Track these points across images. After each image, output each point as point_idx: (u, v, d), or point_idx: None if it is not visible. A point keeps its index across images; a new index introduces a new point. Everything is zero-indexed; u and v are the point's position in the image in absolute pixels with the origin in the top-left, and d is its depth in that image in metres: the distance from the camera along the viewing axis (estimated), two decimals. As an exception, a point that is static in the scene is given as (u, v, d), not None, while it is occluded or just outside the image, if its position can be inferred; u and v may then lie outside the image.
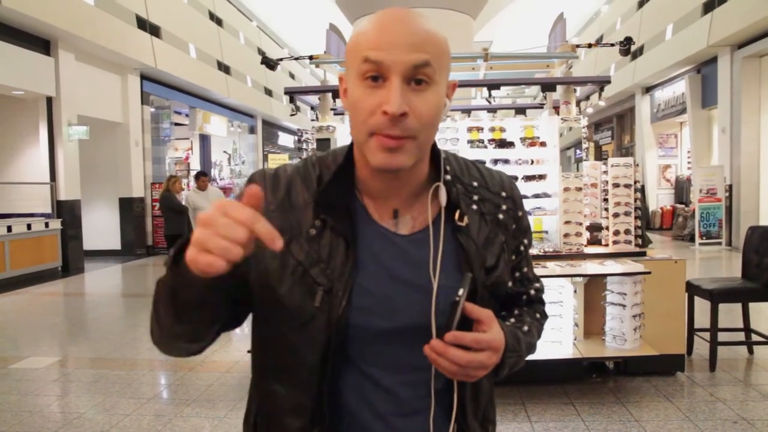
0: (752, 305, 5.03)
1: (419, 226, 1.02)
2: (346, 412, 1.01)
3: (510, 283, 1.11)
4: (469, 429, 1.07)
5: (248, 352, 4.82)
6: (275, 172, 1.05)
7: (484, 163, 1.11)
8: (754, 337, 4.98)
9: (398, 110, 0.88)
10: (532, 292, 1.17)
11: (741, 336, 5.08)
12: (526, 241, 1.14)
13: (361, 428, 1.01)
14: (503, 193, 1.10)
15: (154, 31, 14.06)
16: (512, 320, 1.09)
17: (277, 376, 1.04)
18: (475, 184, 1.08)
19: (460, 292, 0.91)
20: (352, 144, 1.03)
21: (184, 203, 8.85)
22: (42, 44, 10.98)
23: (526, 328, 1.08)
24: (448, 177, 1.04)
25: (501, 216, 1.08)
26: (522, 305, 1.16)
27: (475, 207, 1.05)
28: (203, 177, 9.05)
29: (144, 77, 14.46)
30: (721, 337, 4.83)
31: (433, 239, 1.00)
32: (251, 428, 1.11)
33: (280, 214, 0.99)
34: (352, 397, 1.01)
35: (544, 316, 1.19)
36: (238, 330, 5.49)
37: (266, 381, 1.07)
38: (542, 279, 1.24)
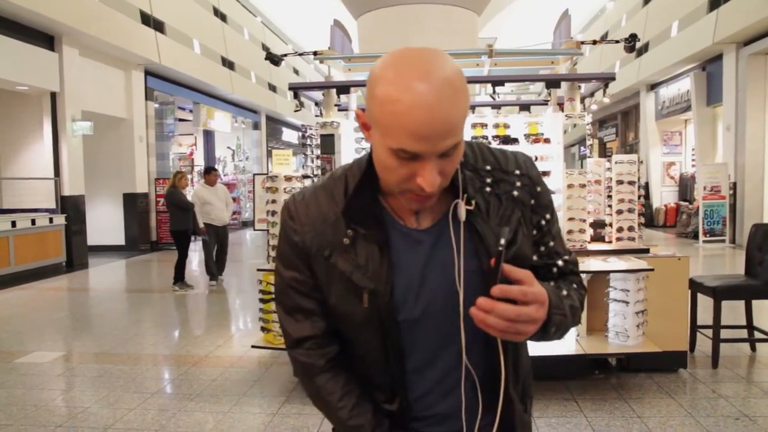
0: (755, 302, 5.02)
1: (438, 216, 1.10)
2: (414, 389, 1.15)
3: (535, 258, 1.17)
4: (511, 399, 1.15)
5: (252, 347, 4.84)
6: (303, 195, 1.15)
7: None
8: (757, 335, 4.98)
9: (434, 189, 0.97)
10: (560, 263, 1.20)
11: (744, 333, 5.08)
12: (548, 216, 1.18)
13: (423, 407, 1.16)
14: (517, 171, 1.15)
15: (158, 26, 14.08)
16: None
17: (354, 363, 1.18)
18: (489, 167, 1.13)
19: (502, 241, 0.95)
20: (371, 153, 1.07)
21: (190, 199, 8.88)
22: (46, 39, 11.01)
23: (564, 292, 1.12)
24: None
25: (516, 193, 1.13)
26: (555, 278, 1.19)
27: (488, 189, 1.11)
28: (213, 172, 9.13)
29: (148, 73, 14.49)
30: (724, 334, 4.83)
31: (453, 228, 1.08)
32: None
33: (315, 234, 1.11)
34: (413, 376, 1.14)
35: (582, 287, 1.21)
36: (242, 325, 5.58)
37: (352, 363, 1.20)
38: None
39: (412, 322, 1.10)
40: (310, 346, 1.16)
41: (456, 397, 1.13)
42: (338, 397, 1.15)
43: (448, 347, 1.12)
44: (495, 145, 4.77)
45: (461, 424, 1.14)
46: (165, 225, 14.57)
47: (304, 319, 1.15)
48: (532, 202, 1.14)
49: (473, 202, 1.08)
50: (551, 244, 1.18)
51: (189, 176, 17.81)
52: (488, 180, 1.11)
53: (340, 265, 1.08)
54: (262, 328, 4.76)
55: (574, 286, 1.19)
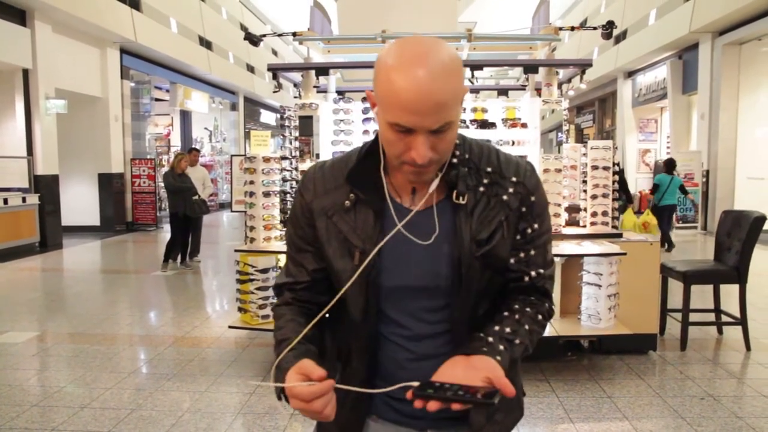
0: (723, 287, 5.15)
1: (431, 201, 1.21)
2: (384, 355, 1.24)
3: (512, 260, 1.23)
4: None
5: (229, 327, 4.85)
6: (323, 164, 1.31)
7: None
8: (724, 318, 5.12)
9: (425, 162, 1.08)
10: (533, 274, 1.24)
11: (712, 317, 5.22)
12: (536, 226, 1.24)
13: (392, 373, 1.24)
14: (514, 179, 1.23)
15: (134, 3, 13.80)
16: (507, 330, 1.19)
17: (338, 325, 1.29)
18: (489, 169, 1.22)
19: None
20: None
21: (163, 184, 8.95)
22: (17, 14, 10.74)
23: (507, 330, 1.19)
24: (455, 160, 1.20)
25: (505, 197, 1.21)
26: (524, 290, 1.25)
27: (482, 189, 1.21)
28: (195, 152, 9.26)
29: (124, 51, 14.23)
30: (693, 317, 4.96)
31: (437, 214, 1.20)
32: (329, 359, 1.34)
33: (325, 196, 1.25)
34: (387, 342, 1.24)
35: (547, 316, 1.28)
36: (218, 306, 5.58)
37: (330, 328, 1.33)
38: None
39: (392, 290, 1.21)
40: (286, 289, 1.30)
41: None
42: (284, 321, 1.24)
43: (425, 323, 1.23)
44: (473, 129, 4.84)
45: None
46: (141, 206, 14.43)
47: (292, 266, 1.30)
48: (523, 209, 1.22)
49: (461, 198, 1.18)
50: (532, 252, 1.24)
51: (164, 157, 17.62)
52: (485, 181, 1.21)
53: (340, 224, 1.21)
54: (239, 309, 4.77)
55: (539, 317, 1.25)
